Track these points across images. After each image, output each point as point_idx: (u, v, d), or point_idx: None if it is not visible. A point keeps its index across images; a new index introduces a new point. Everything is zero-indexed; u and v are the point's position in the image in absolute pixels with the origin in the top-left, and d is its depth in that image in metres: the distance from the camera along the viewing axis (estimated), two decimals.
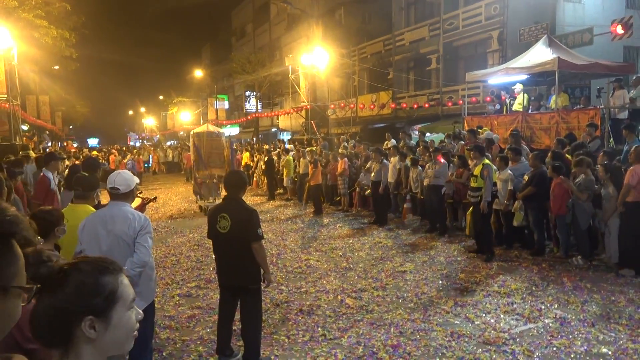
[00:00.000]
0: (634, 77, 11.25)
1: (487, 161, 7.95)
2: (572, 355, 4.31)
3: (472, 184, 7.99)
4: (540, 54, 11.81)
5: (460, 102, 16.52)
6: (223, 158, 13.43)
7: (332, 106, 25.63)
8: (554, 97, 12.19)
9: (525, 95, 13.10)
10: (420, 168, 10.35)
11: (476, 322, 5.11)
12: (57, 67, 26.63)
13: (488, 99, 15.43)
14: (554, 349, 4.45)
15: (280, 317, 5.37)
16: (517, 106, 13.09)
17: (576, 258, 7.26)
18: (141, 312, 1.23)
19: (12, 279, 0.98)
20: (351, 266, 7.44)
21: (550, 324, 5.02)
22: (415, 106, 20.66)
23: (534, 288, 6.19)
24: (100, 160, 15.44)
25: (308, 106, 24.63)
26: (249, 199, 15.38)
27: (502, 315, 5.28)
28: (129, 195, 3.56)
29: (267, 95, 34.62)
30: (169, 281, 6.84)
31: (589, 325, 4.98)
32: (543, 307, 5.51)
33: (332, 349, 4.53)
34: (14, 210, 1.01)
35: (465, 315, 5.30)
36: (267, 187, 16.20)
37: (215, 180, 13.22)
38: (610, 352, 4.36)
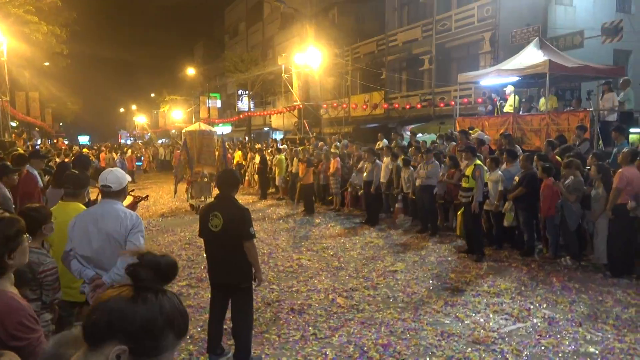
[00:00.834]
0: (622, 80, 11.40)
1: (478, 162, 8.02)
2: (560, 355, 4.37)
3: (464, 185, 8.05)
4: (532, 56, 11.92)
5: (452, 103, 16.62)
6: (214, 157, 13.24)
7: (325, 106, 25.67)
8: (543, 99, 12.31)
9: (516, 97, 13.20)
10: (412, 168, 10.40)
11: (466, 322, 5.16)
12: (47, 64, 26.39)
13: (480, 100, 15.53)
14: (542, 348, 4.51)
15: (272, 316, 5.38)
16: (508, 108, 13.19)
17: (565, 258, 7.35)
18: None
19: None
20: (342, 265, 7.47)
21: (539, 324, 5.08)
22: (408, 107, 20.75)
23: (523, 288, 6.25)
24: (91, 158, 15.32)
25: (301, 105, 24.64)
26: (241, 198, 15.34)
27: (491, 315, 5.33)
28: (120, 194, 3.54)
29: (260, 94, 34.55)
30: None
31: (576, 324, 5.05)
32: (532, 306, 5.57)
33: (323, 348, 4.55)
34: None
35: (455, 315, 5.35)
36: (260, 186, 16.18)
37: (206, 179, 13.12)
38: (597, 352, 4.42)
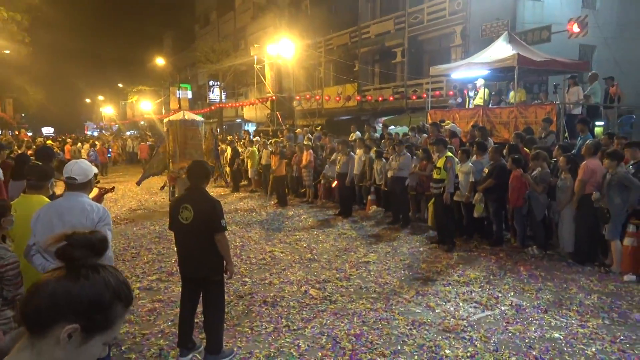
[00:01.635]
0: (590, 74, 11.76)
1: (449, 154, 8.15)
2: (527, 340, 4.52)
3: (435, 176, 8.17)
4: (501, 50, 12.15)
5: (424, 95, 16.82)
6: (201, 150, 12.00)
7: (298, 97, 25.60)
8: (512, 92, 12.59)
9: (486, 89, 13.47)
10: (384, 160, 10.50)
11: (437, 310, 5.27)
12: (8, 52, 25.36)
13: (451, 93, 15.77)
14: (510, 334, 4.65)
15: (244, 309, 5.36)
16: (478, 100, 13.45)
17: (532, 248, 7.57)
18: (106, 350, 1.15)
19: None
20: (315, 257, 7.50)
21: (507, 311, 5.23)
22: (381, 99, 20.90)
23: (491, 277, 6.42)
24: (55, 150, 14.84)
25: (273, 97, 24.49)
26: (212, 190, 15.18)
27: (461, 304, 5.46)
28: (86, 186, 3.45)
29: (232, 85, 34.17)
30: (128, 274, 6.69)
31: (542, 311, 5.22)
32: (500, 295, 5.73)
33: (296, 340, 4.57)
34: None
35: (426, 304, 5.45)
36: (231, 178, 16.05)
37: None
38: (561, 337, 4.59)
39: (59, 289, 1.04)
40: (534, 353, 4.26)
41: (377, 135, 14.47)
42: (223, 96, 33.05)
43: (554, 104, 11.01)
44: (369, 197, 11.23)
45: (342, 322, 4.97)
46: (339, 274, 6.64)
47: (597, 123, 11.01)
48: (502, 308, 5.32)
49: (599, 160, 6.98)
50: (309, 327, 4.87)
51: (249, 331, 4.79)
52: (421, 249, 7.99)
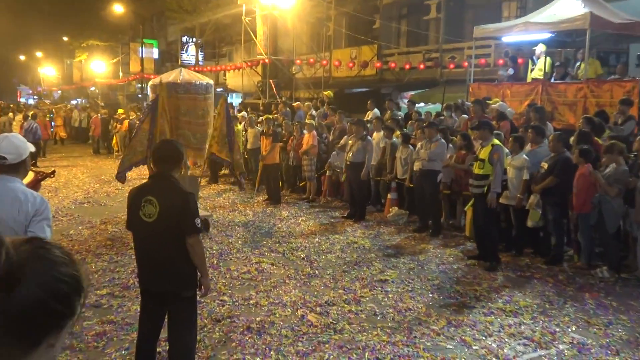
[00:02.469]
0: None
1: (497, 142, 8.11)
2: None
3: (477, 171, 8.15)
4: (569, 7, 12.06)
5: (465, 64, 16.76)
6: (205, 132, 9.67)
7: (299, 62, 25.50)
8: (581, 64, 12.52)
9: (548, 59, 13.40)
10: (410, 148, 10.47)
11: (474, 347, 5.27)
12: None
13: (500, 61, 15.70)
14: None
15: (221, 337, 5.38)
16: (537, 73, 13.39)
17: (601, 269, 7.55)
18: None
19: None
20: (316, 272, 7.50)
21: (566, 351, 5.23)
22: (407, 67, 20.78)
23: (547, 306, 6.41)
24: None
25: (266, 60, 24.42)
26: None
27: (506, 339, 5.46)
28: (19, 168, 3.46)
29: (212, 44, 34.12)
30: None
31: (613, 353, 5.22)
32: (558, 329, 5.73)
33: None
34: None
35: (461, 338, 5.45)
36: (208, 165, 16.05)
37: (190, 170, 10.57)
38: None
39: None
40: None
41: (402, 114, 14.44)
42: (200, 57, 33.02)
43: (636, 80, 10.95)
44: (389, 196, 11.22)
45: (349, 358, 4.97)
46: (347, 295, 6.64)
47: None
48: (560, 347, 5.32)
49: None
50: None
51: None
52: (455, 266, 7.98)
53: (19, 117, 22.53)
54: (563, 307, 6.40)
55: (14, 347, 1.10)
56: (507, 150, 8.44)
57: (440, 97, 16.52)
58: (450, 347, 5.28)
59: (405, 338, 5.44)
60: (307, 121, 13.95)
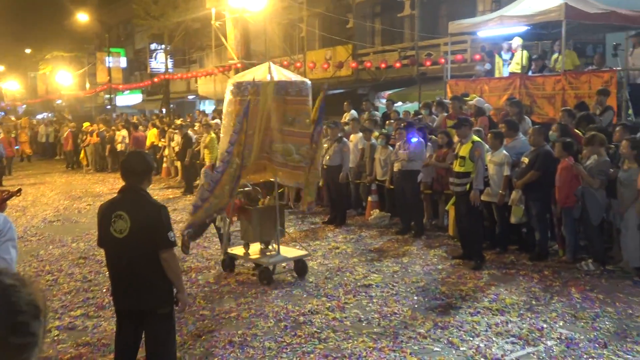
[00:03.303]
0: None
1: (477, 138, 8.19)
2: None
3: (457, 169, 8.20)
4: None
5: (442, 60, 16.88)
6: (309, 143, 7.51)
7: None
8: (556, 56, 12.67)
9: (525, 52, 13.55)
10: (390, 148, 10.52)
11: (462, 348, 5.31)
12: None
13: (477, 57, 15.85)
14: None
15: (202, 352, 5.36)
16: (514, 67, 13.53)
17: (586, 262, 7.66)
18: None
19: None
20: (298, 281, 7.51)
21: (554, 347, 5.30)
22: (383, 66, 20.88)
23: (534, 302, 6.49)
24: None
25: (239, 65, 24.35)
26: (157, 193, 15.10)
27: (494, 338, 5.51)
28: None
29: (182, 50, 33.93)
30: None
31: (601, 346, 5.29)
32: (545, 325, 5.80)
33: None
34: None
35: (448, 340, 5.49)
36: (182, 175, 15.96)
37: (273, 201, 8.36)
38: None
39: None
40: None
41: (379, 114, 14.51)
42: (170, 64, 32.81)
43: (613, 70, 11.11)
44: (369, 199, 11.26)
45: None
46: (330, 302, 6.65)
47: None
48: (549, 343, 5.38)
49: None
50: None
51: None
52: (440, 267, 8.04)
53: None
54: (550, 302, 6.48)
55: None
56: (487, 147, 8.51)
57: (417, 95, 16.66)
58: (438, 349, 5.32)
59: (391, 343, 5.47)
60: None
